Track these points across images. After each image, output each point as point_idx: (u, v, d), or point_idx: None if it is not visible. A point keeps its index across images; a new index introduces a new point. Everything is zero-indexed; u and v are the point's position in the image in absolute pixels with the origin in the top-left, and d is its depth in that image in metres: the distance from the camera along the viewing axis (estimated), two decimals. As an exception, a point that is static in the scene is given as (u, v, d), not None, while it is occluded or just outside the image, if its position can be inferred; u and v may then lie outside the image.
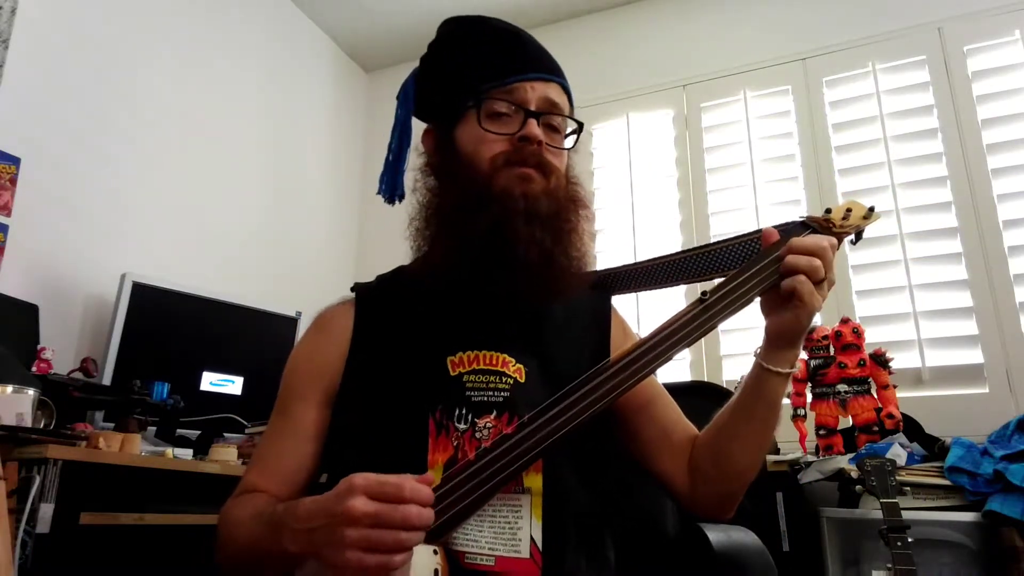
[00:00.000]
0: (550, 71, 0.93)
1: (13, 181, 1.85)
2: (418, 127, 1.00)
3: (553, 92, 0.92)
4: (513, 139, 0.87)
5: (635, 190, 2.80)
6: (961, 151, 2.33)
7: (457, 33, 0.97)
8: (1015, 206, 2.24)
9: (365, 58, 3.43)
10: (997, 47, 2.39)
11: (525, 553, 0.77)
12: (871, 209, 0.85)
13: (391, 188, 1.00)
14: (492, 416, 0.82)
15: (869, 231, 2.57)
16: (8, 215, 1.83)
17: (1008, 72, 2.35)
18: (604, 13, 3.10)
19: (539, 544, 0.78)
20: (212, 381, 2.11)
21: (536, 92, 0.90)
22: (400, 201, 1.00)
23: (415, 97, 0.98)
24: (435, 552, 0.70)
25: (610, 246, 2.76)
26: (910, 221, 2.35)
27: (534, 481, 0.80)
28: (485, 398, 0.83)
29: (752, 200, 2.59)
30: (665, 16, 2.98)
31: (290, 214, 2.89)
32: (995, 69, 2.38)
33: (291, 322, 2.32)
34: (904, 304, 2.29)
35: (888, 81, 2.50)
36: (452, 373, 0.85)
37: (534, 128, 0.87)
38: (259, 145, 2.79)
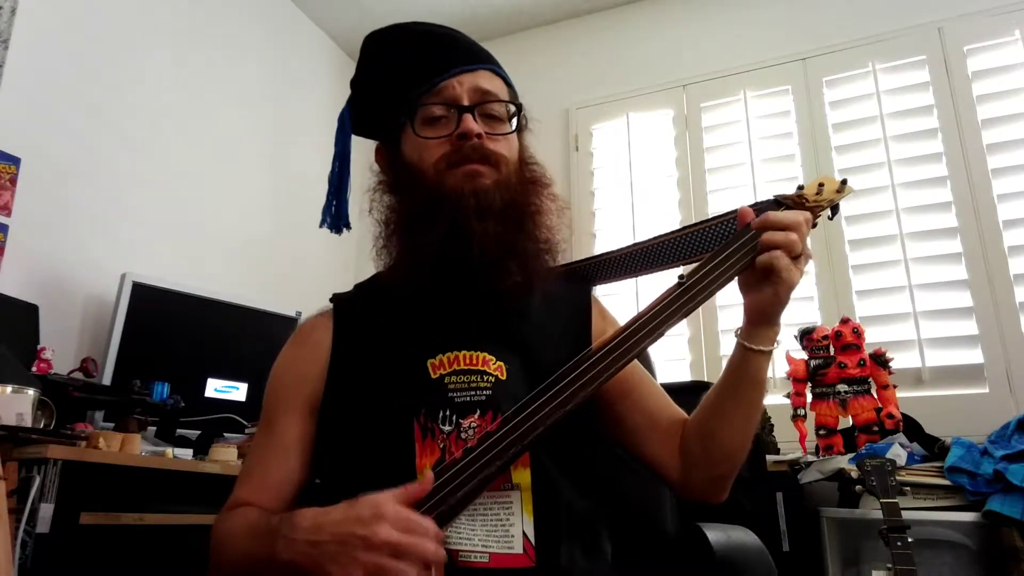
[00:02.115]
0: (474, 60, 0.92)
1: (13, 181, 1.85)
2: (367, 148, 1.00)
3: (483, 80, 0.91)
4: (452, 139, 0.87)
5: (635, 190, 2.80)
6: (961, 151, 2.33)
7: (377, 48, 0.97)
8: (1015, 206, 2.24)
9: (365, 58, 3.43)
10: (997, 47, 2.39)
11: (518, 549, 0.77)
12: (844, 182, 0.84)
13: (336, 218, 1.00)
14: (476, 416, 0.82)
15: (870, 231, 2.56)
16: (8, 215, 1.83)
17: (1008, 72, 2.35)
18: (604, 13, 3.10)
19: (532, 539, 0.78)
20: (217, 388, 2.11)
21: (465, 85, 0.89)
22: (348, 230, 1.00)
23: (353, 120, 0.99)
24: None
25: (610, 246, 2.75)
26: (910, 221, 2.35)
27: (522, 477, 0.80)
28: (468, 398, 0.83)
29: (752, 200, 2.57)
30: (665, 16, 2.98)
31: (290, 214, 2.89)
32: (995, 69, 2.38)
33: (291, 322, 2.31)
34: (904, 304, 2.29)
35: (888, 81, 2.50)
36: (433, 376, 0.84)
37: (469, 123, 0.87)
38: (259, 145, 2.79)
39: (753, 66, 2.74)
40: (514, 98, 0.95)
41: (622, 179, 2.84)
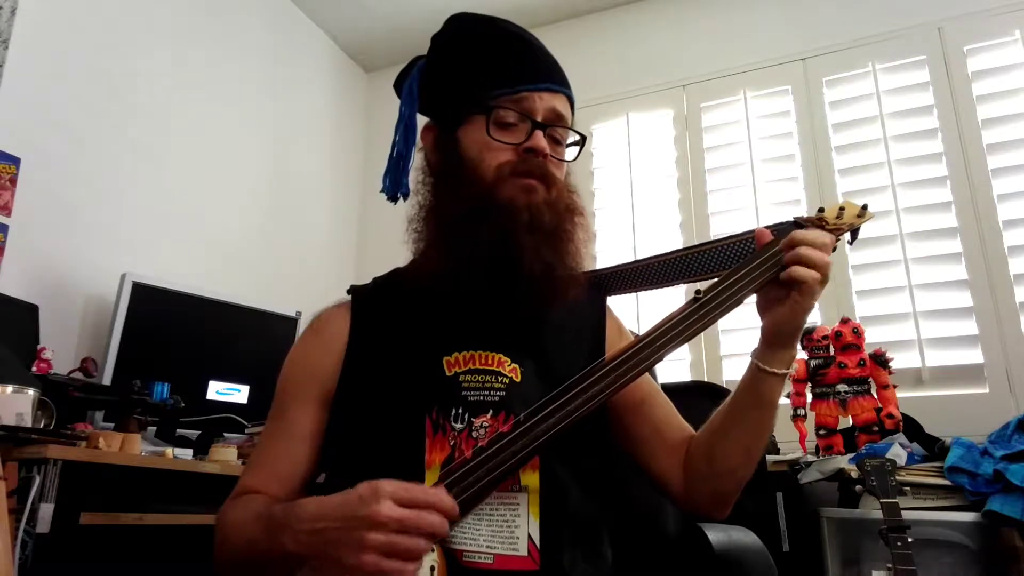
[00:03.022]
0: (559, 82, 0.93)
1: (13, 181, 1.85)
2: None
3: (559, 103, 0.91)
4: (519, 149, 0.87)
5: (635, 190, 2.80)
6: (961, 151, 2.33)
7: (467, 32, 0.96)
8: (1015, 206, 2.25)
9: (365, 58, 3.43)
10: (997, 47, 2.39)
11: (523, 551, 0.77)
12: (864, 207, 0.85)
13: (395, 186, 0.99)
14: (488, 415, 0.82)
15: (869, 231, 2.58)
16: (8, 215, 1.83)
17: (1008, 72, 2.35)
18: (604, 13, 3.10)
19: (537, 542, 0.78)
20: (219, 390, 2.11)
21: (544, 103, 0.89)
22: (404, 200, 0.99)
23: (419, 93, 0.97)
24: (432, 550, 0.70)
25: (610, 246, 2.76)
26: (910, 221, 2.35)
27: (531, 479, 0.80)
28: (481, 398, 0.83)
29: (752, 200, 2.59)
30: (665, 16, 2.99)
31: (290, 214, 2.89)
32: (995, 69, 2.38)
33: (291, 322, 2.32)
34: (904, 304, 2.29)
35: (888, 81, 2.50)
36: (448, 373, 0.85)
37: (541, 140, 0.87)
38: (259, 145, 2.79)
39: (753, 66, 2.74)
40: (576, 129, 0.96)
41: (622, 179, 2.84)
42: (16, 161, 1.87)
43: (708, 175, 2.71)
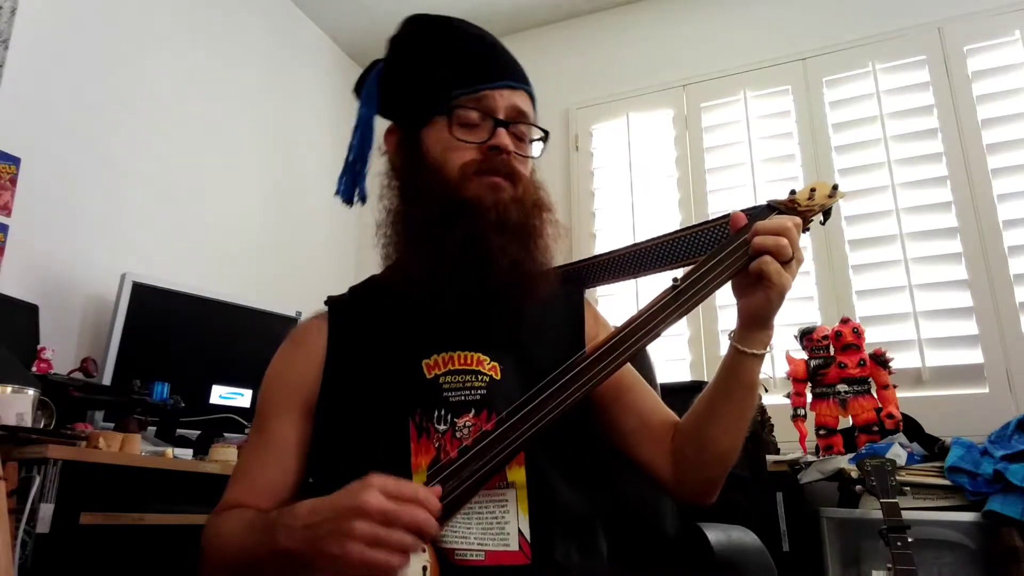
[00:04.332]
0: (518, 79, 0.94)
1: (13, 181, 1.85)
2: (380, 124, 0.98)
3: (520, 100, 0.92)
4: (483, 148, 0.88)
5: (635, 190, 2.80)
6: (961, 151, 2.33)
7: (426, 34, 0.97)
8: (1015, 206, 2.24)
9: (365, 58, 3.42)
10: (997, 47, 2.39)
11: (514, 546, 0.78)
12: (835, 187, 0.85)
13: (350, 189, 0.99)
14: (471, 415, 0.83)
15: (870, 231, 2.56)
16: (8, 215, 1.83)
17: (1008, 72, 2.35)
18: (604, 13, 3.10)
19: (527, 536, 0.78)
20: (222, 395, 2.11)
21: (505, 100, 0.90)
22: (362, 204, 0.99)
23: (379, 96, 0.97)
24: (423, 550, 0.70)
25: (610, 246, 2.75)
26: (910, 221, 2.35)
27: (517, 475, 0.81)
28: (462, 398, 0.84)
29: (752, 200, 2.58)
30: (665, 16, 2.98)
31: (290, 214, 2.89)
32: (995, 69, 2.38)
33: (291, 322, 2.31)
34: (904, 304, 2.29)
35: (888, 81, 2.50)
36: (428, 376, 0.85)
37: (504, 138, 0.88)
38: (259, 145, 2.79)
39: (753, 66, 2.74)
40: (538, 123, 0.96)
41: (622, 179, 2.84)
42: (16, 161, 1.87)
43: (708, 175, 2.71)
